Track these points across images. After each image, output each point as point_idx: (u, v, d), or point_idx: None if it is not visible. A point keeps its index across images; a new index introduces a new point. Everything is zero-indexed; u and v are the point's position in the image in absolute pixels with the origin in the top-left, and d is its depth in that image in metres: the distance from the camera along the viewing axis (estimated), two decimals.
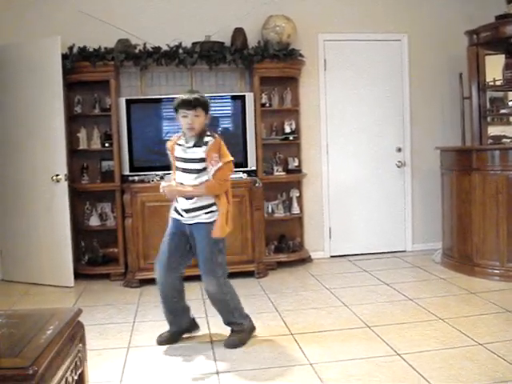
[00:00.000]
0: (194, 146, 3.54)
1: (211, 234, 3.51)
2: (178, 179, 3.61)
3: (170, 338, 3.76)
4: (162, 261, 3.63)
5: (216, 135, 3.60)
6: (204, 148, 3.50)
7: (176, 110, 3.54)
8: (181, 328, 3.80)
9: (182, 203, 3.56)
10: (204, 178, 3.51)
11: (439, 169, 5.81)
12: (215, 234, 3.51)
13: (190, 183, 3.52)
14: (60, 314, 2.37)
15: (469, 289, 4.78)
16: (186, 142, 3.58)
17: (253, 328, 3.83)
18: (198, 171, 3.52)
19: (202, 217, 3.53)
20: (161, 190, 3.60)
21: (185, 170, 3.56)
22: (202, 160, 3.50)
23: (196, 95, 3.55)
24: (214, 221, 3.52)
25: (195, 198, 3.51)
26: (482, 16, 5.72)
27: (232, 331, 3.75)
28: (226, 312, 3.73)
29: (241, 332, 3.73)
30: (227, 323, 3.77)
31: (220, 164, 3.49)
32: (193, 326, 3.88)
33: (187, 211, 3.55)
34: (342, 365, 3.30)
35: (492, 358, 3.27)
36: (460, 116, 6.01)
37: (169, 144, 3.72)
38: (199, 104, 3.51)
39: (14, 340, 2.07)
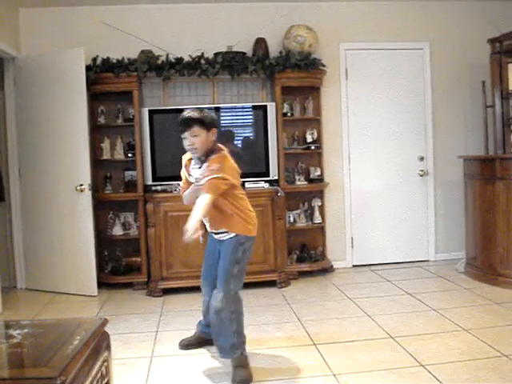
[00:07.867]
0: (201, 166, 3.37)
1: (234, 244, 3.38)
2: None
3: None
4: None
5: (223, 150, 3.36)
6: (205, 165, 3.31)
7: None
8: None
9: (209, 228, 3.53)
10: None
11: (462, 178, 5.76)
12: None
13: None
14: (86, 323, 2.39)
15: (493, 299, 4.72)
16: (195, 163, 3.44)
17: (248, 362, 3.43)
18: None
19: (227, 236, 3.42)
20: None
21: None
22: None
23: (191, 113, 3.31)
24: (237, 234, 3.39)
25: (215, 228, 3.44)
26: (505, 24, 5.70)
27: (235, 366, 3.33)
28: (227, 333, 3.35)
29: (246, 365, 3.36)
30: (224, 350, 3.39)
31: (213, 176, 3.18)
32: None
33: (215, 234, 3.49)
34: (365, 375, 3.28)
35: None
36: (483, 124, 5.95)
37: (184, 158, 3.56)
38: (194, 122, 3.27)
39: (41, 350, 2.10)
